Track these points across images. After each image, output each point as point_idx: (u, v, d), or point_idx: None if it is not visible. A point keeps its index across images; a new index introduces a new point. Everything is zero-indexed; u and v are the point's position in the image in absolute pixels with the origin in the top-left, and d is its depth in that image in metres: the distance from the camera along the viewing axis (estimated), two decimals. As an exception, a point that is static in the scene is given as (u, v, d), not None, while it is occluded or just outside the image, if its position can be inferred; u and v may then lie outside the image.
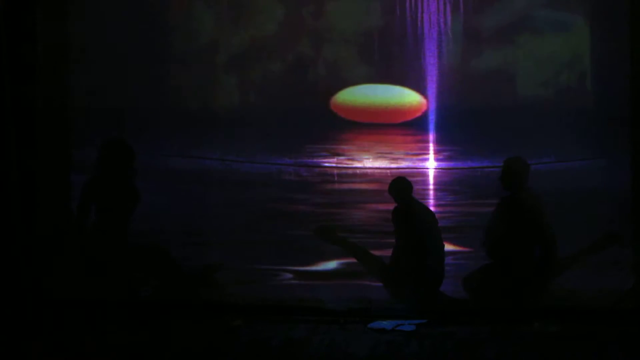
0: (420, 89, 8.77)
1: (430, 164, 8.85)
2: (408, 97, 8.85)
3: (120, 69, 8.40)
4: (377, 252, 8.34)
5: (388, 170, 8.87)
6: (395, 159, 8.90)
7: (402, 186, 8.06)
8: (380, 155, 8.94)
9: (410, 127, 8.93)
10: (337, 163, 8.94)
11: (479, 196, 8.66)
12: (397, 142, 8.96)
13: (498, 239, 7.76)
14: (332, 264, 8.57)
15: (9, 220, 7.47)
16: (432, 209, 8.67)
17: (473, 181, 8.61)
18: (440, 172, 8.84)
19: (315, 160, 8.94)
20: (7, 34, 7.50)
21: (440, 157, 8.81)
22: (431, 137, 8.79)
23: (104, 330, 7.32)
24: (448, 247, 8.27)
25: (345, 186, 8.91)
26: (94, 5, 8.29)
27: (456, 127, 8.66)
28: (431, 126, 8.76)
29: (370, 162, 8.93)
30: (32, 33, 7.68)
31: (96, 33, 8.31)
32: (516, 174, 7.83)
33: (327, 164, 8.94)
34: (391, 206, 8.29)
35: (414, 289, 7.93)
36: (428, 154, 8.83)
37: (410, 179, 8.67)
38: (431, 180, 8.88)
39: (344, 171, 8.92)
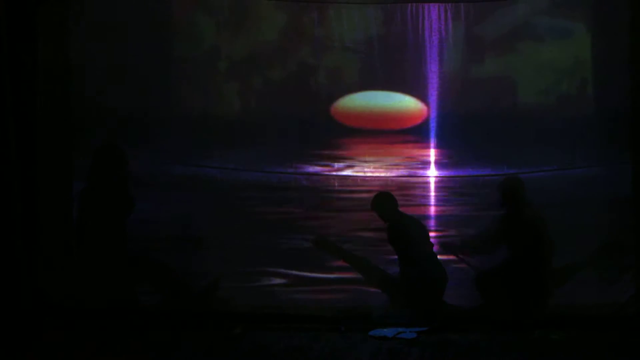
0: (421, 96, 8.76)
1: (431, 172, 8.84)
2: (409, 104, 8.84)
3: (122, 76, 8.39)
4: (377, 261, 8.34)
5: (388, 178, 8.86)
6: (396, 166, 8.89)
7: (383, 201, 8.16)
8: (381, 163, 8.92)
9: (411, 134, 8.91)
10: (337, 170, 8.92)
11: (480, 204, 8.64)
12: (398, 149, 8.94)
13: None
14: (332, 272, 8.56)
15: (10, 225, 7.47)
16: (432, 216, 8.68)
17: (474, 189, 8.59)
18: (441, 179, 8.83)
19: (315, 167, 8.92)
20: (8, 40, 7.50)
21: (441, 164, 8.80)
22: (432, 144, 8.78)
23: (103, 337, 7.32)
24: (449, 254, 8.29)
25: (346, 194, 8.89)
26: (95, 11, 8.28)
27: (457, 134, 8.65)
28: (432, 133, 8.75)
29: (370, 170, 8.91)
30: (33, 39, 7.69)
31: (97, 39, 8.30)
32: (513, 191, 7.92)
33: (327, 172, 8.92)
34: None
35: (415, 298, 7.95)
36: (429, 161, 8.82)
37: (410, 186, 8.69)
38: (432, 187, 8.86)
39: (344, 178, 8.91)
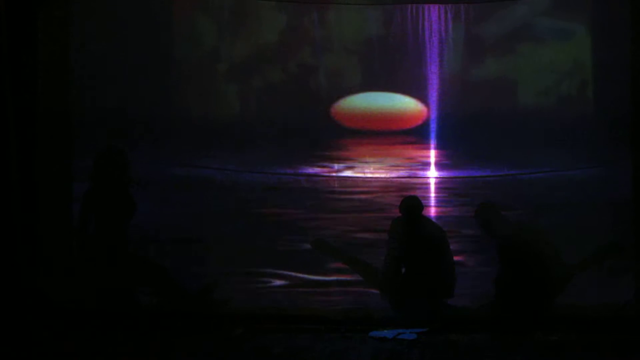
0: (422, 97, 8.77)
1: (431, 173, 8.84)
2: (409, 105, 8.85)
3: (122, 77, 8.39)
4: (376, 262, 8.32)
5: (389, 179, 8.86)
6: (396, 167, 8.89)
7: (412, 204, 8.10)
8: (381, 164, 8.92)
9: (411, 135, 8.92)
10: (337, 171, 8.93)
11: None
12: (398, 150, 8.94)
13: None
14: (332, 273, 8.55)
15: (10, 227, 7.47)
16: (433, 217, 8.67)
17: (474, 189, 8.59)
18: (441, 180, 8.83)
19: (315, 168, 8.92)
20: (8, 43, 7.50)
21: (442, 165, 8.80)
22: (432, 145, 8.78)
23: (104, 339, 7.33)
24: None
25: (346, 195, 8.89)
26: (95, 14, 8.28)
27: (457, 135, 8.66)
28: (432, 134, 8.76)
29: (370, 171, 8.91)
30: (33, 42, 7.69)
31: (98, 41, 8.30)
32: (486, 220, 7.92)
33: (327, 173, 8.92)
34: (391, 215, 8.30)
35: (415, 300, 7.94)
36: (429, 162, 8.82)
37: (411, 187, 8.68)
38: (432, 188, 8.86)
39: (344, 180, 8.91)
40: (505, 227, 7.94)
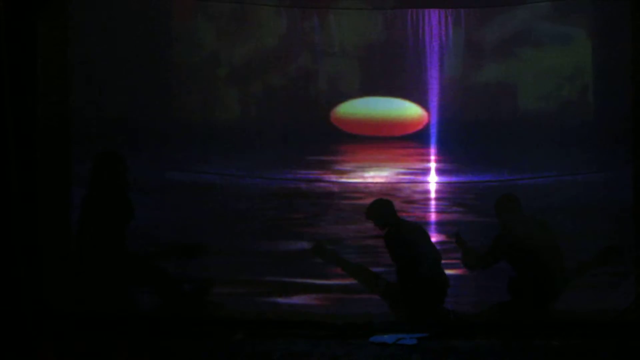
0: (422, 102, 8.77)
1: (432, 178, 8.83)
2: (409, 110, 8.84)
3: (121, 82, 8.38)
4: (376, 268, 8.32)
5: (389, 184, 8.85)
6: (396, 173, 8.88)
7: (378, 208, 8.09)
8: (381, 169, 8.92)
9: (412, 140, 8.92)
10: (337, 177, 8.92)
11: (481, 210, 8.64)
12: (398, 156, 8.94)
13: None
14: (332, 278, 8.54)
15: (9, 232, 7.47)
16: (433, 222, 8.66)
17: (474, 195, 8.58)
18: (441, 185, 8.82)
19: (315, 174, 8.92)
20: (8, 46, 7.50)
21: (442, 170, 8.79)
22: (432, 150, 8.77)
23: (103, 343, 7.32)
24: (449, 260, 8.26)
25: (346, 200, 8.88)
26: (95, 18, 8.29)
27: (457, 140, 8.65)
28: (432, 139, 8.76)
29: (371, 176, 8.91)
30: (33, 46, 7.69)
31: (97, 45, 8.30)
32: (501, 207, 7.93)
33: (327, 178, 8.91)
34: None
35: (416, 305, 7.93)
36: (429, 167, 8.81)
37: (411, 192, 8.67)
38: (432, 194, 8.85)
39: (344, 185, 8.90)
40: (513, 221, 7.92)
